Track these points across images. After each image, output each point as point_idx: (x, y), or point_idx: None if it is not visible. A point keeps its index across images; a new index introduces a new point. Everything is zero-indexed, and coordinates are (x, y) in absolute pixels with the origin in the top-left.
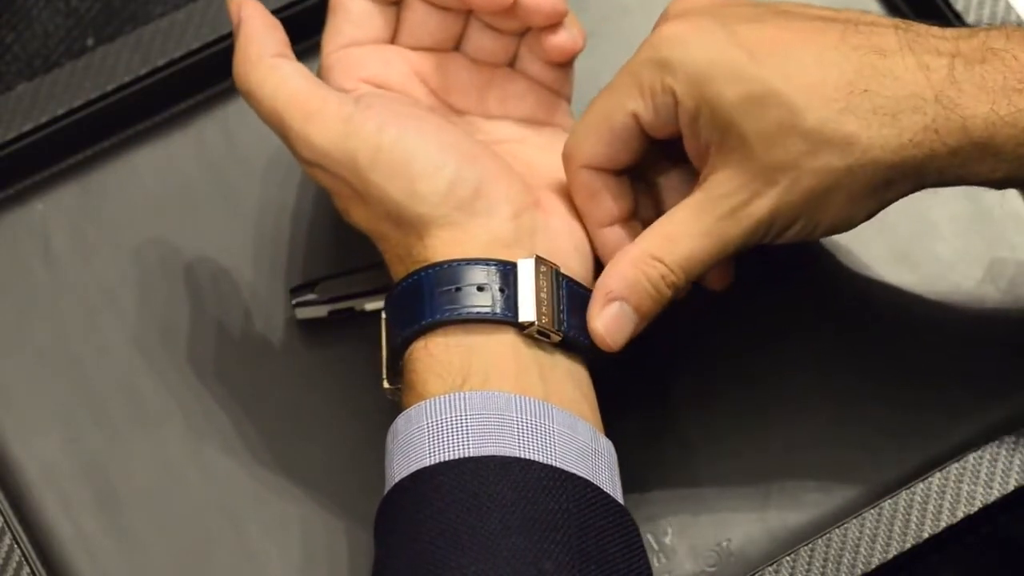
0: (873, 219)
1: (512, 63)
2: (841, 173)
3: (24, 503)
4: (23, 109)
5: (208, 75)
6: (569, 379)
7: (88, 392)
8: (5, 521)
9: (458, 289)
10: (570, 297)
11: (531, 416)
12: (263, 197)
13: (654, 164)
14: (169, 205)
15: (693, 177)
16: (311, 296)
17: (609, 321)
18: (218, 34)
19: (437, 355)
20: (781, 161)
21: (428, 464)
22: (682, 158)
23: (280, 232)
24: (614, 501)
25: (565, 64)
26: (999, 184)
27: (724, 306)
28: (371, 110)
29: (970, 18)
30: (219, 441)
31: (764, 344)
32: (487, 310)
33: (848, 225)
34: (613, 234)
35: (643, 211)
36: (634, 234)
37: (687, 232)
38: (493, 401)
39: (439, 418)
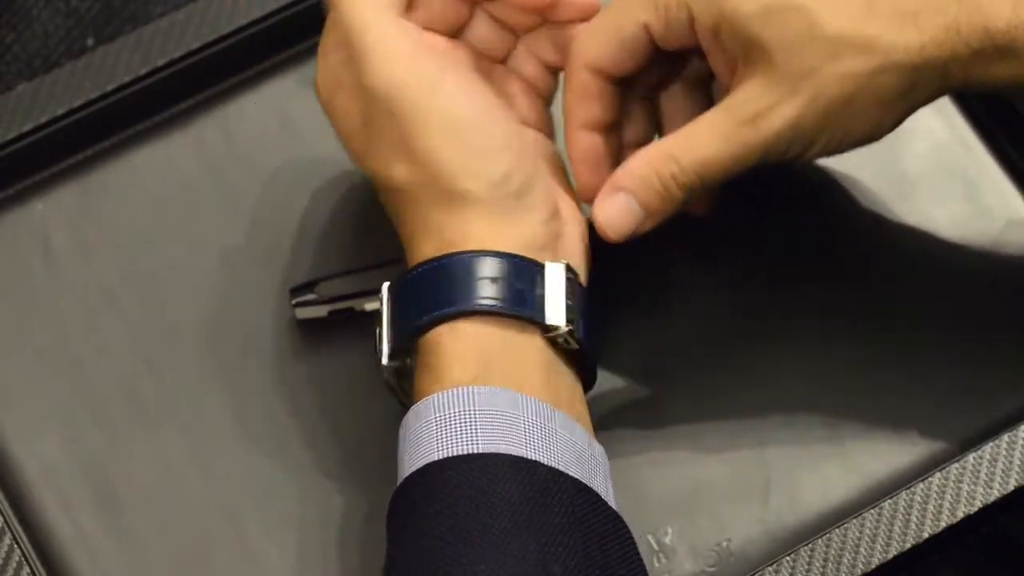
0: (872, 219)
1: (504, 60)
2: (864, 78)
3: (24, 503)
4: (23, 109)
5: (208, 75)
6: (569, 387)
7: (88, 392)
8: (5, 521)
9: (493, 280)
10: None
11: (536, 416)
12: (263, 197)
13: (657, 83)
14: (169, 205)
15: (696, 96)
16: (311, 296)
17: (612, 211)
18: (218, 34)
19: (465, 342)
20: (803, 69)
21: (436, 459)
22: (688, 77)
23: (280, 232)
24: (611, 508)
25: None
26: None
27: (724, 305)
28: (458, 71)
29: None
30: (219, 441)
31: (764, 344)
32: (524, 309)
33: (876, 134)
34: (589, 139)
35: (634, 132)
36: (609, 146)
37: (707, 135)
38: (500, 398)
39: (446, 412)
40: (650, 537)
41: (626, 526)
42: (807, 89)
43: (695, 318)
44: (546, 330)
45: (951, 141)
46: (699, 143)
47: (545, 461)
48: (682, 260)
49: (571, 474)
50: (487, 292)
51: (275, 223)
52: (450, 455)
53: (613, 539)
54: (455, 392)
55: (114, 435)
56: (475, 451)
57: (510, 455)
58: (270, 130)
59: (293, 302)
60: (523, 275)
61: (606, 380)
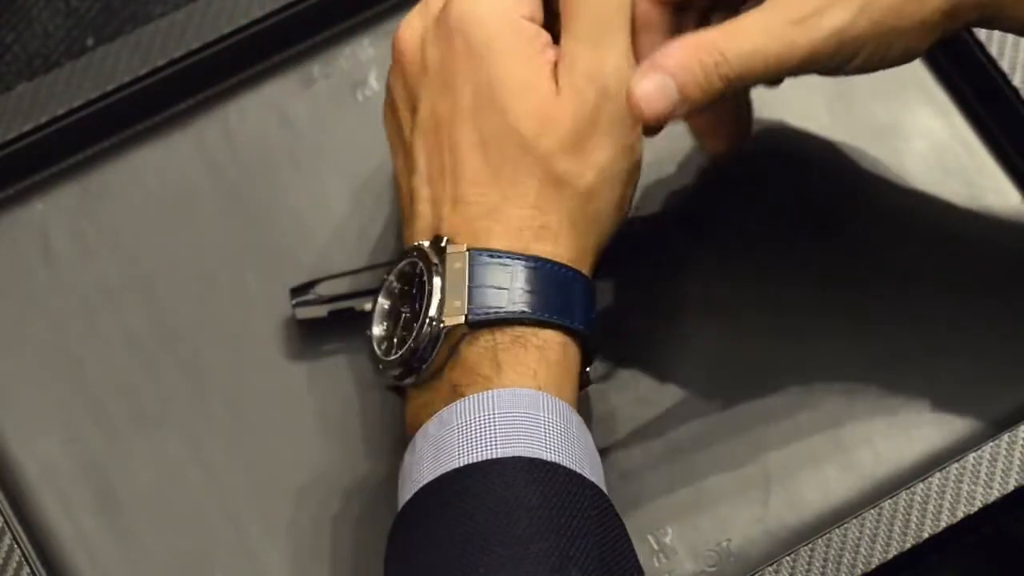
0: (872, 219)
1: None
2: None
3: (24, 503)
4: (23, 109)
5: (208, 75)
6: (573, 384)
7: (88, 392)
8: (5, 521)
9: (563, 292)
10: None
11: (556, 417)
12: (263, 197)
13: (711, 4)
14: (169, 205)
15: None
16: (311, 296)
17: (649, 88)
18: (218, 34)
19: (528, 348)
20: None
21: (456, 466)
22: None
23: (280, 232)
24: (615, 509)
25: None
26: None
27: (724, 306)
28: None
29: (1004, 64)
30: (219, 441)
31: (764, 344)
32: (580, 324)
33: (912, 55)
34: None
35: None
36: None
37: (754, 30)
38: (522, 399)
39: (468, 418)
40: (650, 537)
41: (627, 531)
42: None
43: (695, 318)
44: (583, 340)
45: (951, 141)
46: (745, 36)
47: (564, 462)
48: (682, 261)
49: (587, 475)
50: (571, 307)
51: (275, 223)
52: (469, 462)
53: (623, 541)
54: (479, 396)
55: (114, 435)
56: (494, 456)
57: (530, 458)
58: (270, 130)
59: (293, 302)
60: (586, 292)
61: (605, 379)
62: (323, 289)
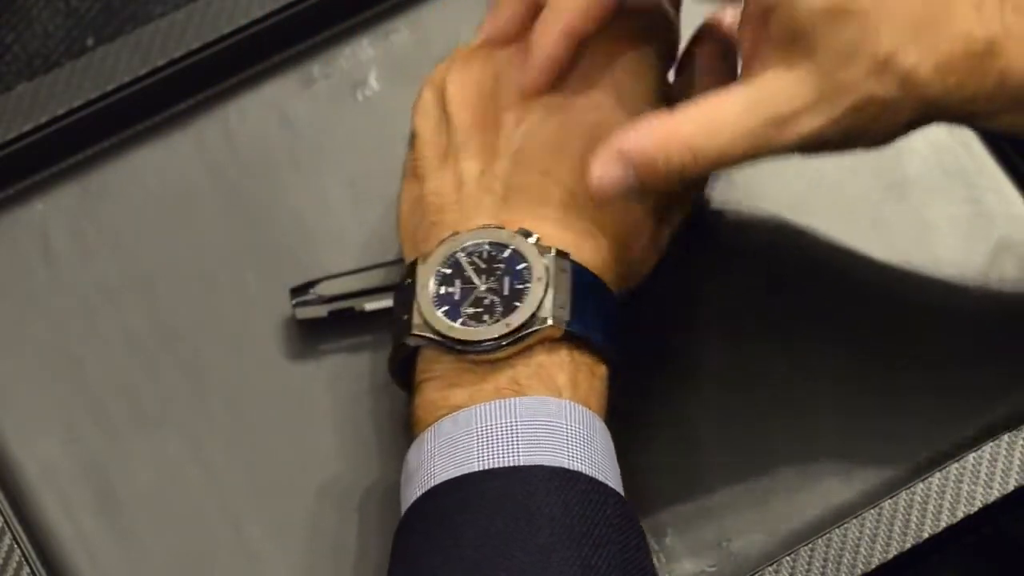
0: (872, 218)
1: None
2: (894, 103)
3: (24, 503)
4: (23, 109)
5: (208, 75)
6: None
7: (88, 392)
8: (5, 521)
9: (613, 320)
10: None
11: (580, 425)
12: (263, 197)
13: None
14: (169, 205)
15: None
16: (311, 296)
17: (609, 173)
18: (218, 34)
19: (574, 357)
20: (845, 81)
21: (476, 469)
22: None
23: (280, 232)
24: (638, 522)
25: None
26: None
27: (724, 306)
28: None
29: None
30: (219, 441)
31: (763, 345)
32: (615, 344)
33: (877, 146)
34: (566, 48)
35: None
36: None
37: (730, 127)
38: (544, 407)
39: (490, 422)
40: (650, 537)
41: (645, 536)
42: (843, 102)
43: (694, 319)
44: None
45: (951, 141)
46: (720, 134)
47: (587, 471)
48: (681, 263)
49: (609, 483)
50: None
51: (275, 223)
52: (490, 467)
53: (643, 551)
54: (500, 402)
55: (114, 435)
56: (516, 463)
57: (552, 467)
58: (270, 130)
59: (293, 302)
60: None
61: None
62: (323, 289)
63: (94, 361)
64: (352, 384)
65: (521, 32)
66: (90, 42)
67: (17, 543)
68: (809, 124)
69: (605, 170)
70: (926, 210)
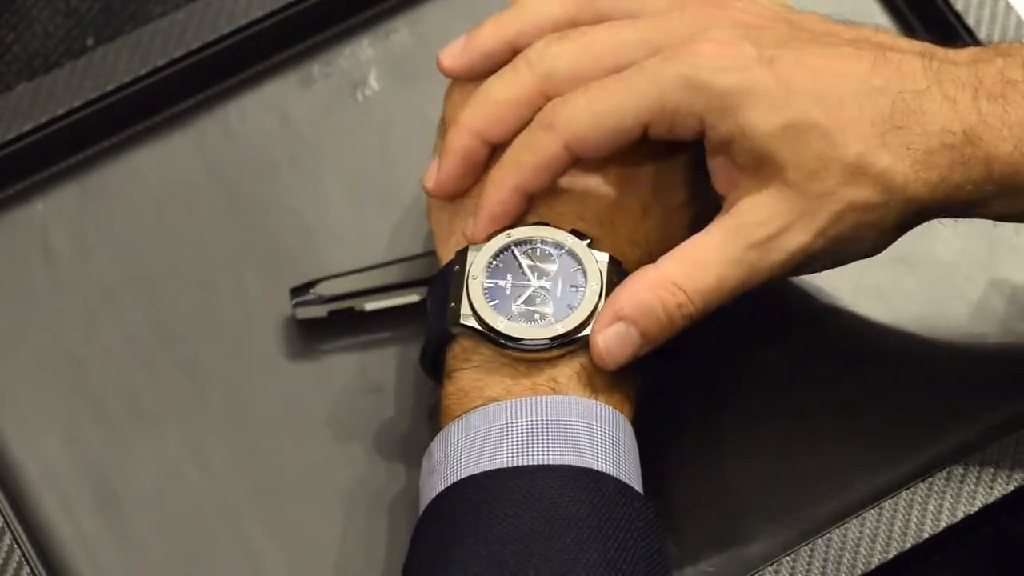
0: None
1: None
2: (876, 208)
3: (24, 503)
4: (23, 109)
5: (208, 75)
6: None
7: (88, 392)
8: (5, 521)
9: None
10: None
11: (610, 427)
12: (263, 197)
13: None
14: (169, 205)
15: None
16: (311, 296)
17: (611, 339)
18: (218, 34)
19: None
20: (819, 193)
21: (504, 465)
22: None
23: (280, 232)
24: (660, 526)
25: None
26: (1017, 218)
27: (724, 307)
28: None
29: (970, 19)
30: (219, 441)
31: (764, 345)
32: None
33: (869, 255)
34: (484, 151)
35: None
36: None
37: (715, 259)
38: (575, 407)
39: (520, 419)
40: None
41: (665, 540)
42: (823, 213)
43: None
44: None
45: None
46: (705, 269)
47: (614, 473)
48: None
49: (635, 487)
50: None
51: (275, 223)
52: (519, 464)
53: (664, 555)
54: (530, 400)
55: (114, 435)
56: (545, 462)
57: (581, 467)
58: (270, 130)
59: (293, 302)
60: None
61: None
62: (323, 289)
63: (94, 361)
64: (352, 384)
65: (466, 186)
66: (90, 42)
67: (17, 543)
68: (794, 240)
69: (606, 337)
70: None
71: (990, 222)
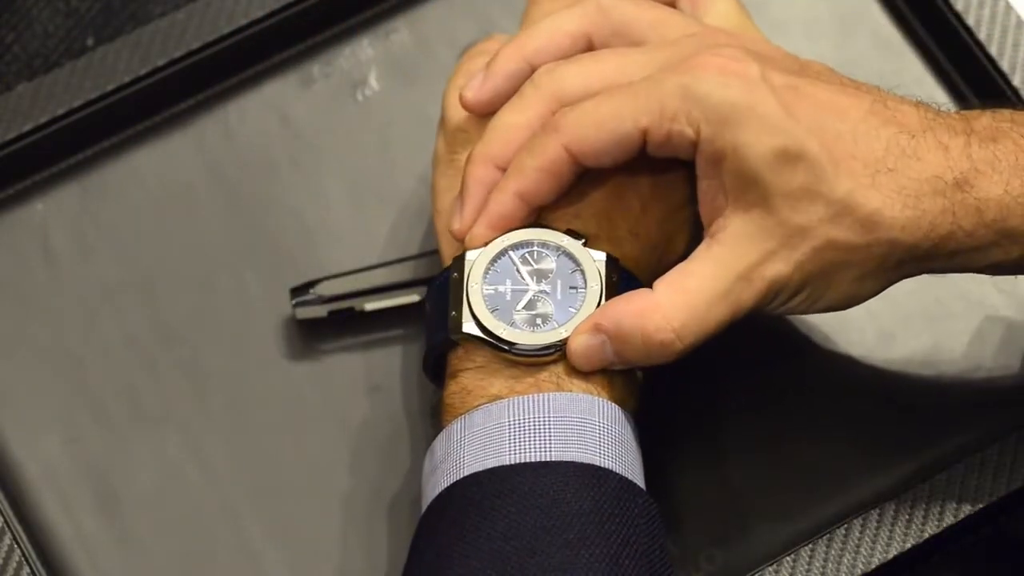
0: None
1: None
2: (858, 248)
3: (24, 503)
4: (23, 109)
5: (208, 75)
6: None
7: (88, 392)
8: (5, 521)
9: None
10: None
11: (612, 423)
12: (263, 197)
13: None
14: (169, 205)
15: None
16: (311, 296)
17: (586, 347)
18: (218, 34)
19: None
20: (802, 225)
21: (507, 463)
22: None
23: (280, 232)
24: (662, 523)
25: None
26: (1012, 268)
27: None
28: None
29: (970, 19)
30: (219, 441)
31: (763, 345)
32: None
33: (849, 303)
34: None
35: None
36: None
37: (708, 294)
38: (578, 404)
39: (522, 417)
40: None
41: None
42: (803, 246)
43: None
44: None
45: None
46: (696, 305)
47: (617, 469)
48: None
49: (638, 483)
50: None
51: (275, 223)
52: (521, 461)
53: (665, 551)
54: (532, 397)
55: (114, 435)
56: (548, 459)
57: (583, 463)
58: (270, 130)
59: (293, 302)
60: None
61: None
62: (323, 289)
63: (94, 361)
64: (352, 384)
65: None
66: (90, 42)
67: (17, 543)
68: (774, 270)
69: (584, 342)
70: None
71: None
